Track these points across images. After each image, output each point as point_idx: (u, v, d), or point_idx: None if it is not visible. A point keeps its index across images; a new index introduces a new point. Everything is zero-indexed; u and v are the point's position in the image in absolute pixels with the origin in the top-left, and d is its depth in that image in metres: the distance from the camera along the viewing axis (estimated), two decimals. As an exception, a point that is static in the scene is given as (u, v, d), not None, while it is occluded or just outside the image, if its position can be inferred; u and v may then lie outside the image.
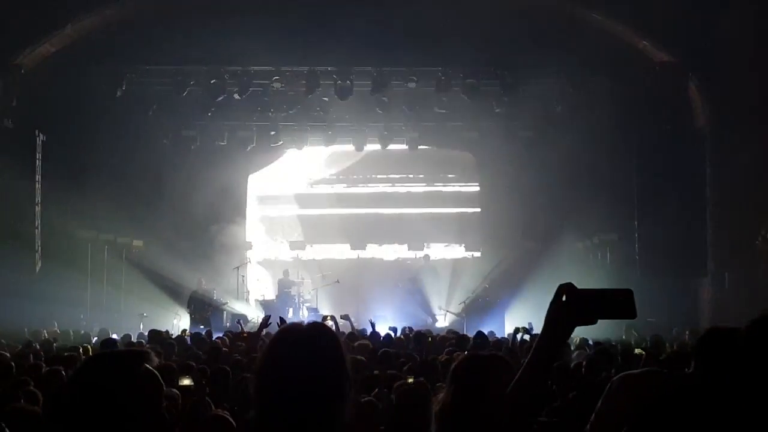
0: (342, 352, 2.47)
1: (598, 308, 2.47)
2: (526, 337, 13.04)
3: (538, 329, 12.93)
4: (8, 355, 11.42)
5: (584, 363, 8.71)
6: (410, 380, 7.73)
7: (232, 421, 5.82)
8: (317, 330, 2.53)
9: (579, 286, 2.54)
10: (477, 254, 24.91)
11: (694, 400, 2.31)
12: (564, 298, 2.47)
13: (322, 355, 2.44)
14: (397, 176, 25.93)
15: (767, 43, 17.37)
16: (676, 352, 10.13)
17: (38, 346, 13.06)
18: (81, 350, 11.24)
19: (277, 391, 2.39)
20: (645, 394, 3.01)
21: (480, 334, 13.38)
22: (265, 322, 11.66)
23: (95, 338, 16.25)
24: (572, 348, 11.89)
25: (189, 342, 13.78)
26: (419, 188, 25.93)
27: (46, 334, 15.80)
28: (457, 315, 21.93)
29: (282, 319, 13.13)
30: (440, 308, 22.75)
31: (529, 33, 19.80)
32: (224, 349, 11.87)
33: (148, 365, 2.53)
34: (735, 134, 19.42)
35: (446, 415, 3.42)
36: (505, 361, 3.56)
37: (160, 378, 2.53)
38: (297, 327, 2.56)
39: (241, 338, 12.59)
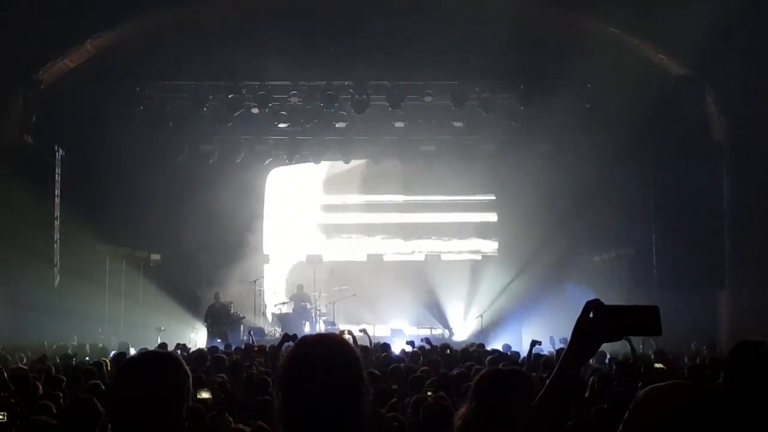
0: (359, 360, 2.56)
1: (624, 325, 2.50)
2: (543, 350, 13.03)
3: (550, 343, 12.93)
4: (26, 368, 11.56)
5: (595, 378, 8.67)
6: (429, 393, 7.75)
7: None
8: (333, 340, 2.63)
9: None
10: (494, 267, 24.82)
11: (725, 411, 2.31)
12: (591, 314, 2.50)
13: (339, 363, 2.52)
14: (415, 186, 25.71)
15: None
16: (696, 366, 10.11)
17: (58, 359, 13.16)
18: (104, 364, 11.34)
19: (299, 399, 2.47)
20: (672, 406, 3.01)
21: (494, 351, 13.57)
22: (285, 340, 11.67)
23: (113, 351, 16.33)
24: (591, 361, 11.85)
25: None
26: (437, 198, 25.77)
27: (70, 351, 15.85)
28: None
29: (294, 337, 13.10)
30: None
31: (545, 47, 19.83)
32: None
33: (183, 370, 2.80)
34: (752, 147, 19.35)
35: (468, 430, 3.44)
36: (526, 376, 3.58)
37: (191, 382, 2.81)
38: (314, 338, 2.66)
39: (254, 351, 12.59)
